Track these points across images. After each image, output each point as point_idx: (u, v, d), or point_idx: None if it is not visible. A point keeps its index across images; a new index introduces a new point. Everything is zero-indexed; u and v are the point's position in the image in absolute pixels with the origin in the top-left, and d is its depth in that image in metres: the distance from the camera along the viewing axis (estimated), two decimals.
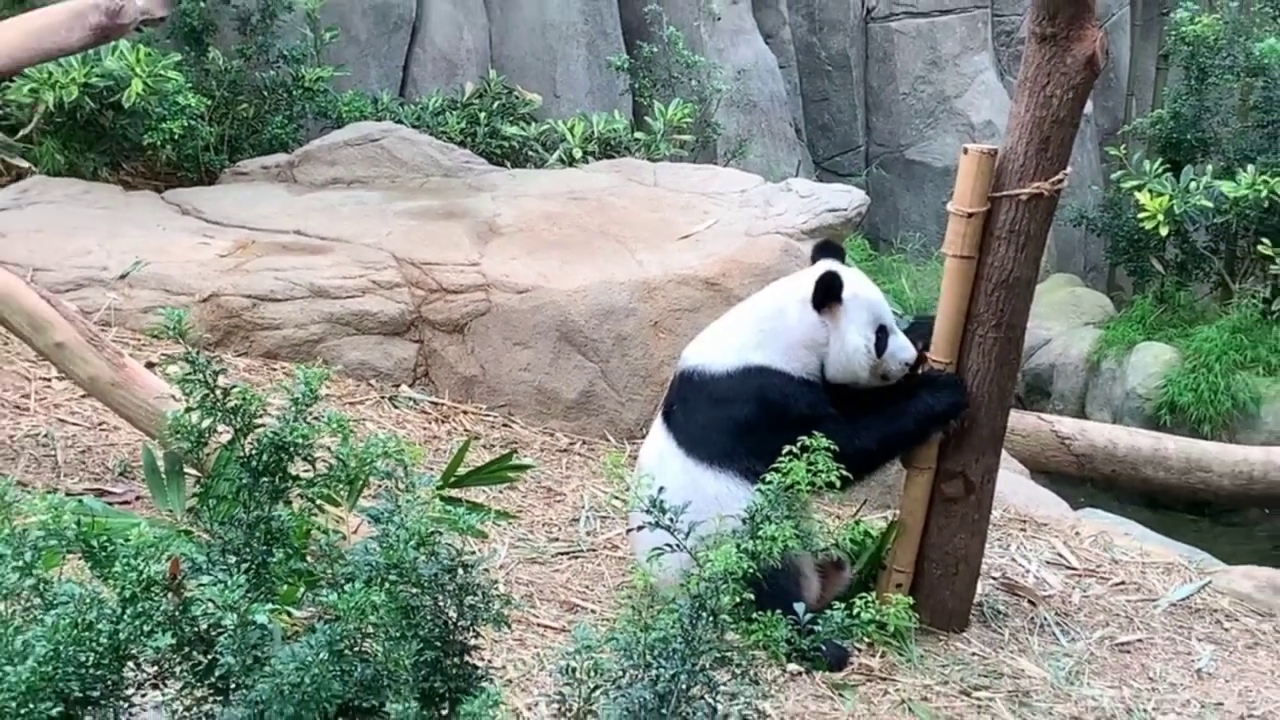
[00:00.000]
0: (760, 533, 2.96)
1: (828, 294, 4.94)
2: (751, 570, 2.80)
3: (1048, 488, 8.66)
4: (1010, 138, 4.98)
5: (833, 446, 3.25)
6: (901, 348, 5.07)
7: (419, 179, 8.97)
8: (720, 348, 5.08)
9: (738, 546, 2.84)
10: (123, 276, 7.13)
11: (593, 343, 7.07)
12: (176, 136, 8.92)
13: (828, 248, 5.44)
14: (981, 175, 4.95)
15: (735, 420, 4.90)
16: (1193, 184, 12.97)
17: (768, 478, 3.12)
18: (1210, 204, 12.82)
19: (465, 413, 7.01)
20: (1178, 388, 12.33)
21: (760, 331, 5.03)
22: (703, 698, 2.73)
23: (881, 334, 5.03)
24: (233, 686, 2.75)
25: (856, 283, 5.10)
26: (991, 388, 5.09)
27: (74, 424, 5.97)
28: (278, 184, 8.93)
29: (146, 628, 2.66)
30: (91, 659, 2.62)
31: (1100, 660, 5.33)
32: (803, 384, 4.95)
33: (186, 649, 2.79)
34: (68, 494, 4.95)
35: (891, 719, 4.61)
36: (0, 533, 2.89)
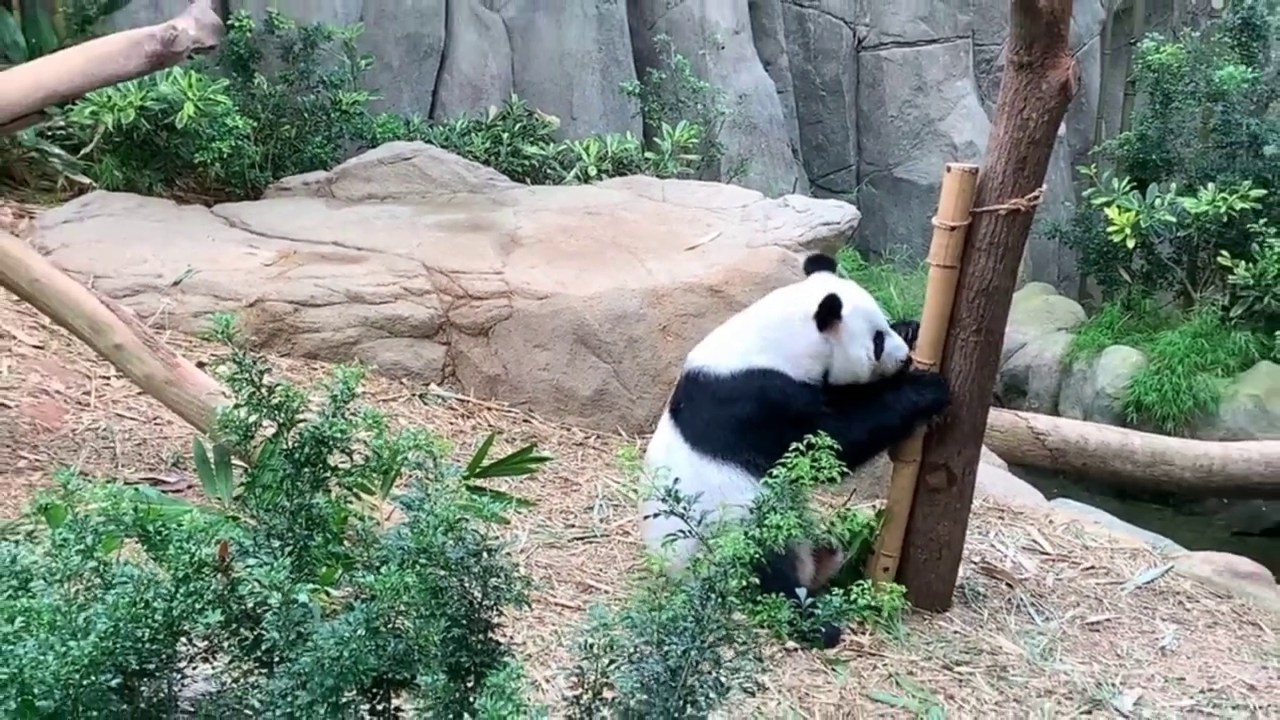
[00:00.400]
0: (766, 522, 2.95)
1: (830, 314, 4.95)
2: (757, 556, 2.80)
3: (1024, 479, 8.63)
4: (990, 157, 4.97)
5: (835, 445, 3.24)
6: (897, 347, 5.09)
7: (447, 194, 8.98)
8: (725, 351, 5.08)
9: (745, 534, 2.84)
10: (176, 283, 7.14)
11: (606, 345, 7.07)
12: (225, 155, 8.95)
13: (820, 260, 5.45)
14: (964, 192, 4.94)
15: (738, 417, 4.90)
16: (1157, 200, 12.95)
17: (774, 472, 3.12)
18: (1173, 219, 12.79)
19: (489, 409, 7.01)
20: (1143, 388, 12.31)
21: (763, 339, 5.03)
22: (709, 671, 2.73)
23: (879, 339, 5.04)
24: (277, 660, 2.75)
25: (853, 296, 5.11)
26: (972, 387, 5.09)
27: (131, 419, 5.98)
28: (317, 199, 8.95)
29: (198, 606, 2.66)
30: (148, 634, 2.62)
31: (1072, 638, 5.32)
32: (802, 386, 4.96)
33: (235, 625, 2.79)
34: (125, 483, 4.98)
35: (880, 691, 4.61)
36: (64, 518, 2.90)
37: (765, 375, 4.95)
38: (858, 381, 5.04)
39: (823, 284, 5.08)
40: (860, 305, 5.07)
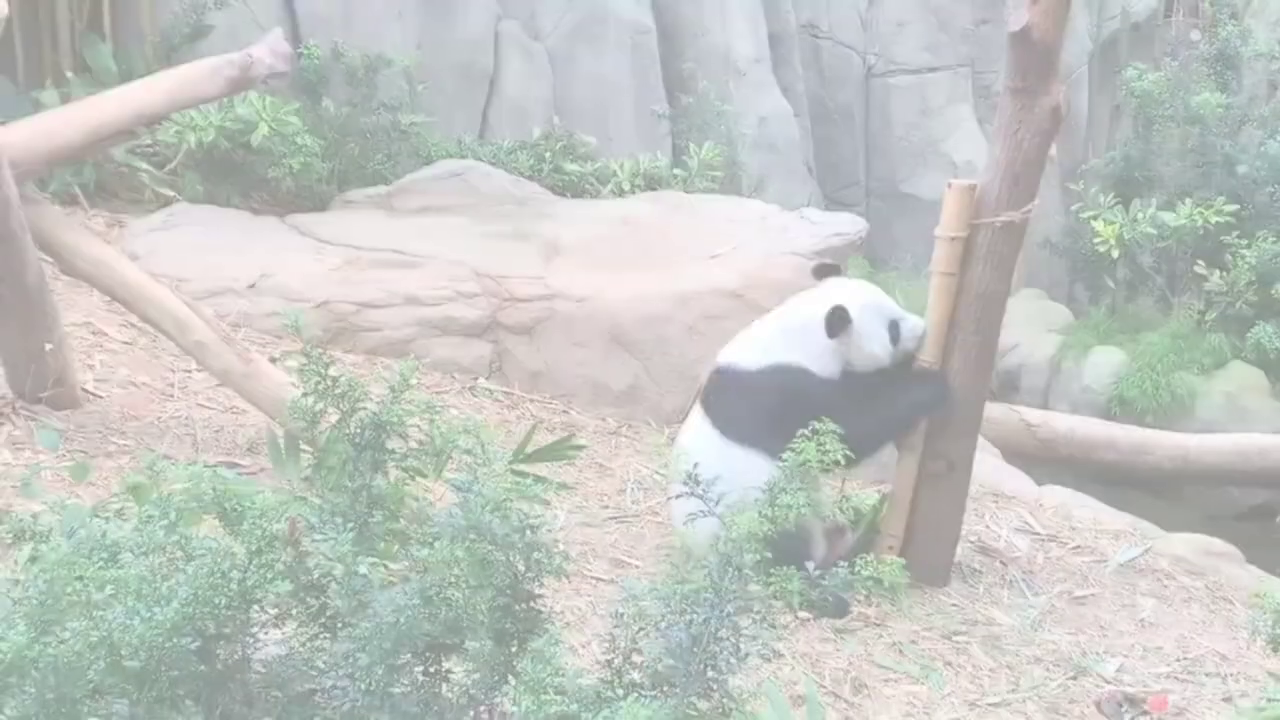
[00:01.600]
0: (778, 502, 2.94)
1: (839, 324, 4.94)
2: (770, 533, 2.79)
3: (1017, 467, 8.59)
4: (988, 174, 4.96)
5: (840, 431, 3.23)
6: (912, 327, 5.09)
7: (495, 207, 8.97)
8: (751, 350, 5.10)
9: (759, 513, 2.83)
10: (251, 286, 7.16)
11: (638, 343, 7.07)
12: (295, 171, 8.95)
13: (826, 268, 5.44)
14: (963, 206, 4.93)
15: (763, 407, 4.89)
16: (1140, 215, 12.87)
17: (785, 456, 3.11)
18: (1154, 231, 12.71)
19: (532, 401, 7.02)
20: (1126, 384, 12.23)
21: (786, 339, 5.05)
22: (729, 639, 2.72)
23: (893, 327, 5.04)
24: (340, 625, 2.76)
25: (862, 295, 5.10)
26: (970, 383, 5.07)
27: (210, 408, 6.01)
28: (378, 211, 8.95)
29: (269, 576, 2.66)
30: (224, 602, 2.62)
31: (1060, 611, 5.31)
32: (821, 381, 4.96)
33: (302, 594, 2.80)
34: (205, 465, 4.99)
35: (885, 658, 4.60)
36: (150, 497, 2.91)
37: (788, 370, 4.96)
38: (881, 366, 5.05)
39: (835, 288, 5.07)
40: (870, 302, 5.06)
